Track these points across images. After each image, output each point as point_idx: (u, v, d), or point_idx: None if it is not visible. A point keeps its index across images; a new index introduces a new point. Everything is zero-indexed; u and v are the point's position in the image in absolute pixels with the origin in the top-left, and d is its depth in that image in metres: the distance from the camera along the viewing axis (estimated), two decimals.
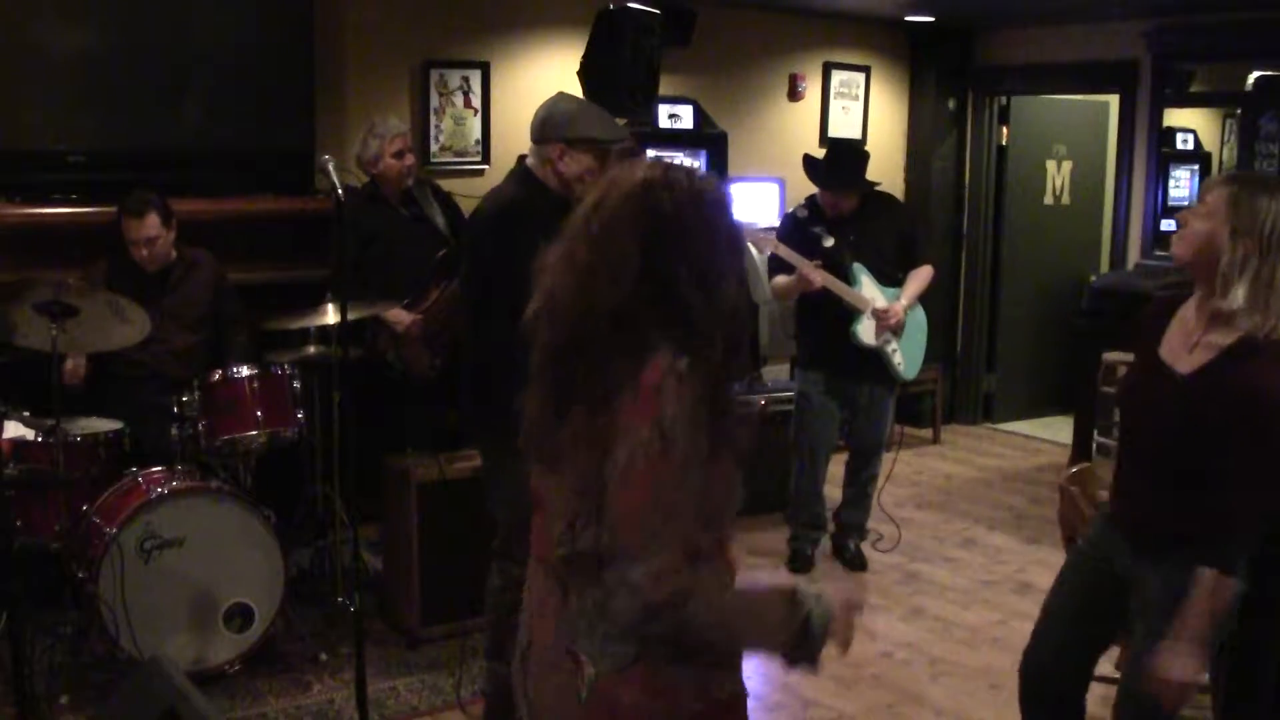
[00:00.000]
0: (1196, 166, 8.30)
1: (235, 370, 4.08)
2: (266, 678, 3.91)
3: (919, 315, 4.99)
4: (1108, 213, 7.48)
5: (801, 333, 5.15)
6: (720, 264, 1.81)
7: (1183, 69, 6.89)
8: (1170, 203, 7.82)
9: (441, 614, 4.14)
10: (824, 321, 4.87)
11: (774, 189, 6.60)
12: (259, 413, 4.04)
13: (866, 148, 5.29)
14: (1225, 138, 8.58)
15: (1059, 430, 7.17)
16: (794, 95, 6.95)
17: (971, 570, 5.14)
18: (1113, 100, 7.19)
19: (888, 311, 4.78)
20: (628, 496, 1.68)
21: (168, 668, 2.59)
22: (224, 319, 4.50)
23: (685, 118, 6.18)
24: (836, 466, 5.23)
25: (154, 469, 3.91)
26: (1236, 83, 7.15)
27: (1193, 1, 6.05)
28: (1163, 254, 6.46)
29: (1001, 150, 7.58)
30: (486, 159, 5.76)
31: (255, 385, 4.06)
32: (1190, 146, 8.30)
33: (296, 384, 4.18)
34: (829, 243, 4.78)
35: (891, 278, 4.92)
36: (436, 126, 5.61)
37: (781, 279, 4.81)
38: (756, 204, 6.46)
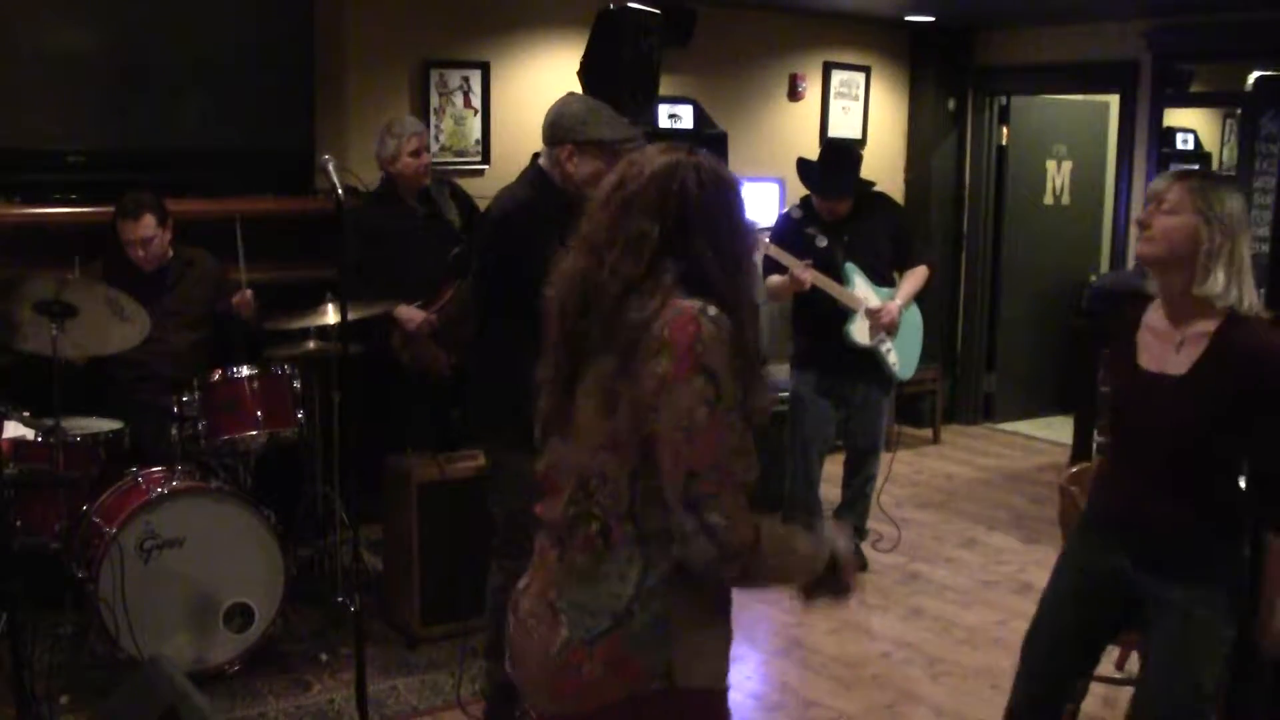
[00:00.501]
0: (1196, 167, 8.31)
1: (235, 370, 4.08)
2: (266, 678, 3.91)
3: (914, 315, 4.99)
4: (1108, 213, 7.48)
5: (796, 333, 5.16)
6: (738, 246, 1.89)
7: (1183, 69, 6.89)
8: None
9: (441, 614, 4.14)
10: (818, 321, 4.88)
11: (774, 189, 6.61)
12: (259, 413, 4.04)
13: (864, 148, 5.31)
14: (1225, 138, 8.59)
15: (1059, 430, 7.17)
16: (794, 95, 6.95)
17: (971, 570, 5.14)
18: (1113, 100, 7.20)
19: (881, 311, 4.79)
20: (702, 448, 1.74)
21: (168, 668, 2.60)
22: (224, 318, 4.50)
23: (685, 118, 6.18)
24: (836, 467, 5.23)
25: (154, 469, 3.91)
26: (1236, 83, 7.15)
27: (1193, 1, 6.05)
28: None
29: (1001, 150, 7.58)
30: (486, 159, 5.76)
31: (255, 385, 4.06)
32: (1190, 146, 8.31)
33: (296, 384, 4.18)
34: (822, 243, 4.79)
35: (886, 278, 4.92)
36: (436, 126, 5.61)
37: (774, 279, 4.82)
38: (756, 204, 6.46)
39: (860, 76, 7.23)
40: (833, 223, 4.84)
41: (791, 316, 5.20)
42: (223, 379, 4.04)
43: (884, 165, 7.19)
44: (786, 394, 5.21)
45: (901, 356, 4.94)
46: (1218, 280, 2.44)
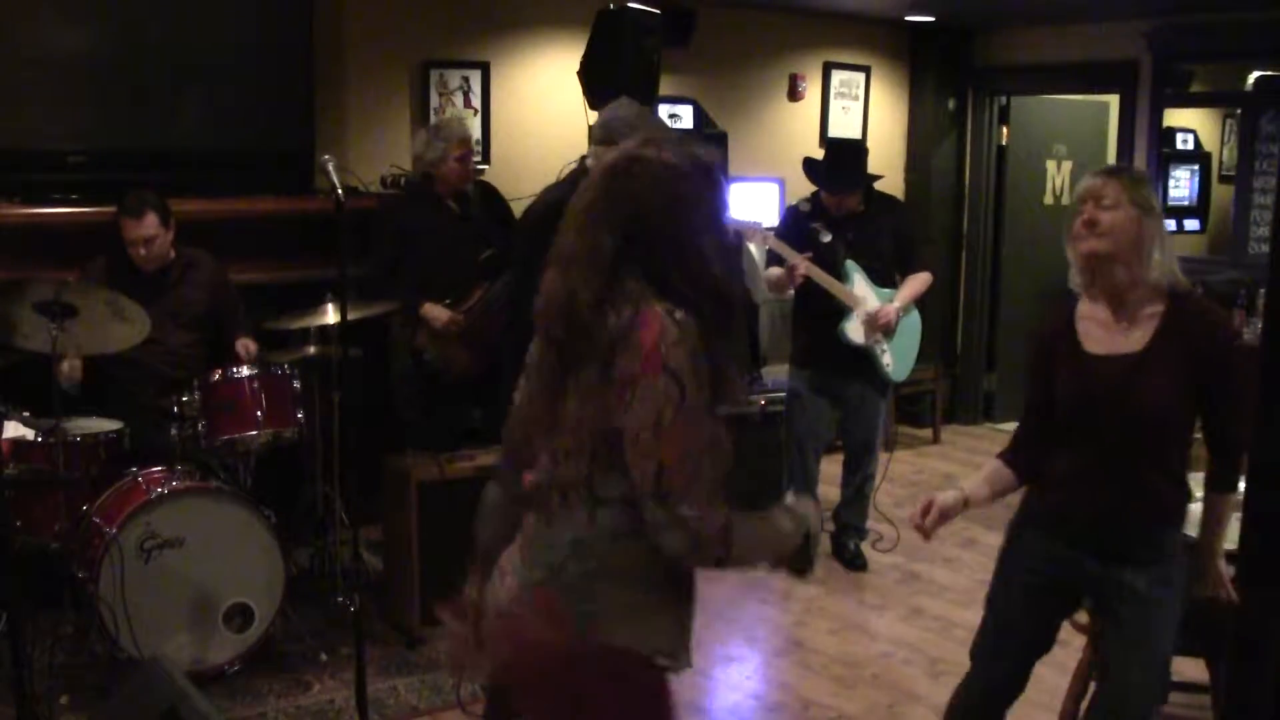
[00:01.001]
0: (1196, 166, 8.31)
1: (235, 370, 4.08)
2: (266, 678, 3.91)
3: (913, 318, 4.99)
4: None
5: (795, 330, 5.17)
6: (695, 235, 1.90)
7: (1183, 69, 6.89)
8: (1170, 203, 7.82)
9: None
10: (816, 320, 4.88)
11: (774, 189, 6.61)
12: (259, 413, 4.04)
13: (866, 146, 5.29)
14: (1225, 138, 8.59)
15: None
16: (794, 95, 6.95)
17: (971, 570, 5.14)
18: (1113, 100, 7.18)
19: (879, 313, 4.79)
20: (669, 445, 1.80)
21: (168, 668, 2.60)
22: (224, 318, 4.50)
23: (685, 118, 6.19)
24: (835, 467, 5.23)
25: (154, 469, 3.90)
26: (1236, 83, 7.16)
27: (1193, 1, 6.05)
28: None
29: (1001, 150, 7.58)
30: (486, 159, 5.75)
31: (255, 385, 4.06)
32: (1190, 146, 8.31)
33: (297, 384, 4.18)
34: (826, 239, 4.79)
35: (888, 279, 4.92)
36: None
37: (773, 270, 4.85)
38: (756, 204, 6.46)
39: (860, 76, 7.23)
40: (839, 219, 4.85)
41: (792, 314, 5.21)
42: (223, 379, 4.04)
43: (884, 165, 7.17)
44: (784, 393, 5.22)
45: (896, 359, 4.94)
46: (1158, 263, 2.61)
